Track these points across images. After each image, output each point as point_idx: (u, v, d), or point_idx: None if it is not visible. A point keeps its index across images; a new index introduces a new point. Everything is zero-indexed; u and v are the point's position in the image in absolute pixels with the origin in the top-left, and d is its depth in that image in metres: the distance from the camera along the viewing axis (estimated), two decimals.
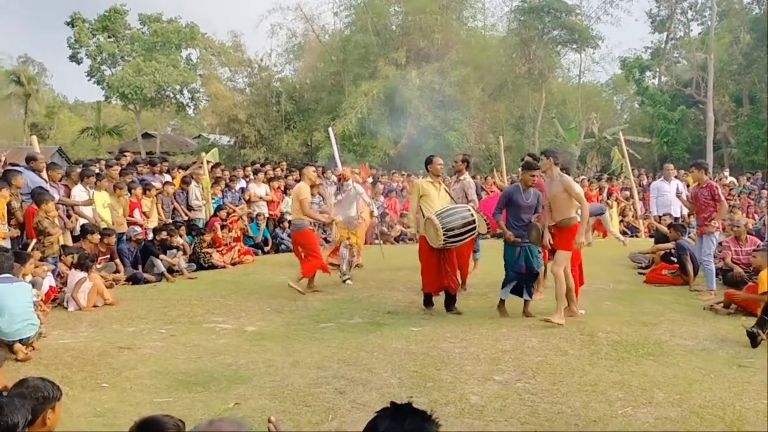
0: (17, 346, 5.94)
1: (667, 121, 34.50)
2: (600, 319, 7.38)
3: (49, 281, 8.17)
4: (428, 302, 8.20)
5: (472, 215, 7.88)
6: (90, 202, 10.04)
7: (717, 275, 9.23)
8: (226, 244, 12.04)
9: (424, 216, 8.14)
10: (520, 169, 8.52)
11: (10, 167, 9.52)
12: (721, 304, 8.01)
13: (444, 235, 7.64)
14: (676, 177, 13.61)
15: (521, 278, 7.65)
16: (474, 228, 7.94)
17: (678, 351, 6.25)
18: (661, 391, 5.11)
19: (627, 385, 5.24)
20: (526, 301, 7.76)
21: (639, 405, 4.81)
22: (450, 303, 8.10)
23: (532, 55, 31.96)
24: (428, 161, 8.67)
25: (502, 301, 7.76)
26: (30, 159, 9.95)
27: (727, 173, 23.71)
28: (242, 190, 14.22)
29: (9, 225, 8.38)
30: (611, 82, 42.81)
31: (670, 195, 12.41)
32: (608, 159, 28.79)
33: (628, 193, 17.76)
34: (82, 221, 9.93)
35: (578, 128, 32.92)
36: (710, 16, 34.91)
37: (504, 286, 7.74)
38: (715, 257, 9.38)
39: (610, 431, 4.36)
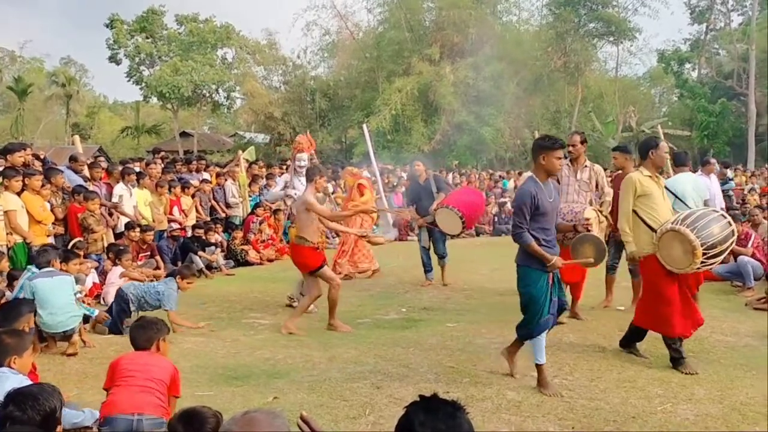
0: (74, 338, 6.17)
1: (708, 113, 33.82)
2: None
3: (92, 278, 8.38)
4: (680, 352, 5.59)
5: (728, 220, 5.50)
6: (115, 205, 10.06)
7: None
8: (263, 241, 12.19)
9: (649, 226, 5.61)
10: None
11: (51, 166, 9.77)
12: (764, 299, 7.85)
13: (703, 255, 5.29)
14: (712, 172, 13.34)
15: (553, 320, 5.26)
16: (732, 239, 5.50)
17: (719, 347, 6.15)
18: (702, 387, 5.04)
19: (666, 381, 5.18)
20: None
21: (679, 401, 4.75)
22: (638, 338, 5.95)
23: (567, 49, 31.68)
24: (649, 146, 5.91)
25: (539, 367, 5.08)
26: (72, 159, 10.23)
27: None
28: None
29: (53, 223, 8.59)
30: (649, 75, 42.14)
31: (711, 189, 12.16)
32: None
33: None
34: (125, 219, 10.14)
35: (615, 122, 32.51)
36: (751, 6, 34.11)
37: (534, 336, 5.11)
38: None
39: (650, 428, 4.32)
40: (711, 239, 5.27)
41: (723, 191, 13.57)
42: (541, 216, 4.98)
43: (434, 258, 9.57)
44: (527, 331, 5.15)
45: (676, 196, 6.74)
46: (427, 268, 9.57)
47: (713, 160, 13.31)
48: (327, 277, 7.09)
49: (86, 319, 6.68)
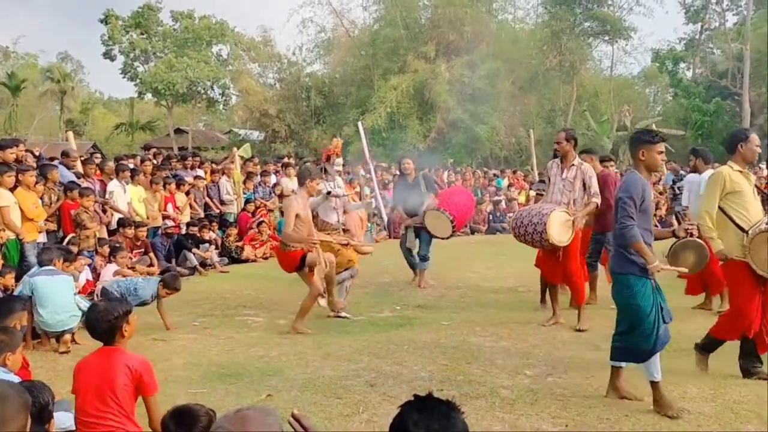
0: (65, 337, 6.15)
1: (702, 113, 33.91)
2: None
3: (86, 275, 8.34)
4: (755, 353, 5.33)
5: None
6: (105, 201, 9.92)
7: None
8: (262, 241, 12.15)
9: (739, 227, 5.14)
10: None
11: (46, 162, 9.73)
12: None
13: None
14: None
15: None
16: None
17: None
18: (695, 386, 5.05)
19: None
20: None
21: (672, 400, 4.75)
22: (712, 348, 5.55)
23: (563, 47, 31.63)
24: (738, 138, 5.36)
25: (655, 385, 4.60)
26: (64, 154, 10.20)
27: (763, 166, 23.25)
28: (274, 185, 14.33)
29: (45, 220, 8.55)
30: (643, 74, 42.18)
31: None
32: None
33: (661, 186, 17.50)
34: (118, 216, 10.11)
35: (610, 121, 32.53)
36: (746, 6, 34.20)
37: (654, 353, 4.61)
38: None
39: (642, 426, 4.32)
40: None
41: (672, 188, 13.59)
42: (644, 213, 4.52)
43: None
44: (644, 350, 4.58)
45: None
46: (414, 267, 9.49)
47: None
48: (310, 281, 7.02)
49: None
